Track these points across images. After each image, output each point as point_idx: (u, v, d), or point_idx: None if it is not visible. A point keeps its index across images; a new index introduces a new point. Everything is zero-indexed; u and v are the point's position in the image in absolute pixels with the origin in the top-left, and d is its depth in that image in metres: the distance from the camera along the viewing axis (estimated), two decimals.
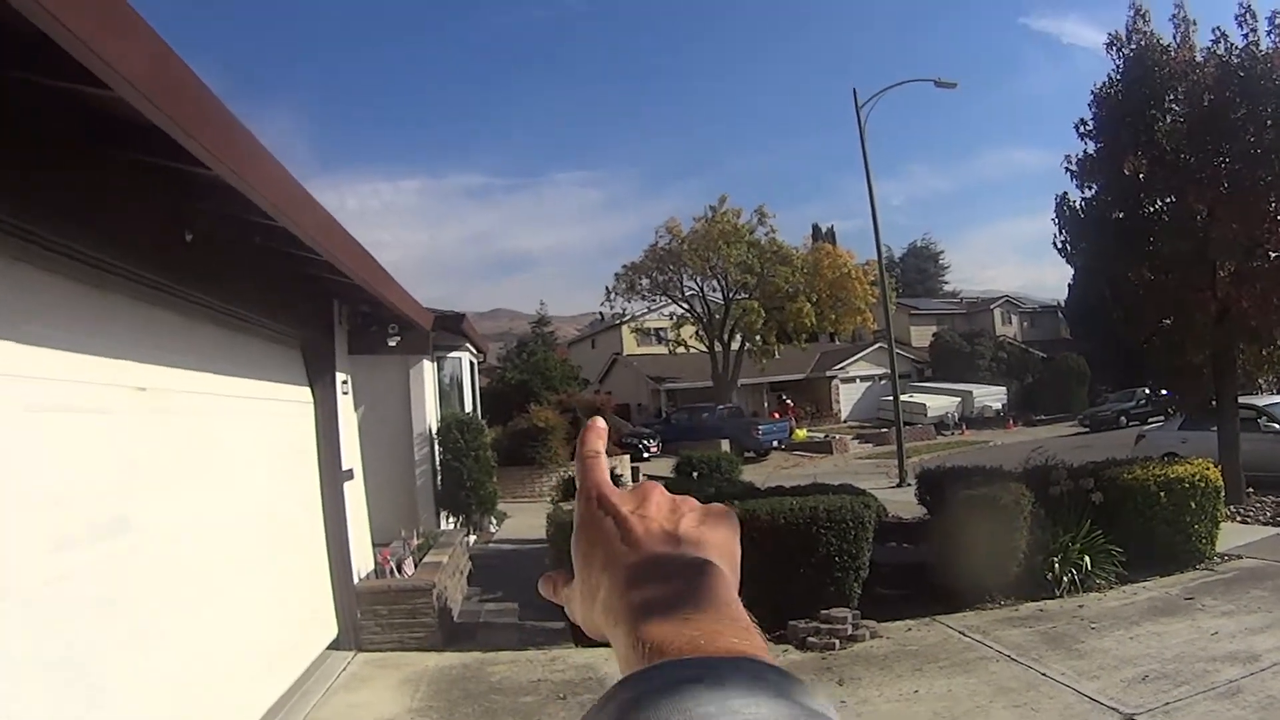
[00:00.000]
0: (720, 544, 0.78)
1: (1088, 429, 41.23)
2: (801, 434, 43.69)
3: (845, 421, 54.38)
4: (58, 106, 4.26)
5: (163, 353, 5.99)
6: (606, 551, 0.76)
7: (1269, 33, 14.55)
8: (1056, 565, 10.61)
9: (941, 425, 46.21)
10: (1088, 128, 16.49)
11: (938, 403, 48.24)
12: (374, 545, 10.82)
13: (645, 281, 46.66)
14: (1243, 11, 14.70)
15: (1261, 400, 18.56)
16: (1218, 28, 15.22)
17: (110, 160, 4.95)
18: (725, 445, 32.27)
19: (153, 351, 5.80)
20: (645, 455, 36.01)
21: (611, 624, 0.72)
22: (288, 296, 8.55)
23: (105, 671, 4.74)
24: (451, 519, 16.00)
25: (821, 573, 10.08)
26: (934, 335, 59.99)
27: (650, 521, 0.77)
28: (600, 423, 0.93)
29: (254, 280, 7.47)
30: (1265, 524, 13.99)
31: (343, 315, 10.55)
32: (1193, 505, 11.42)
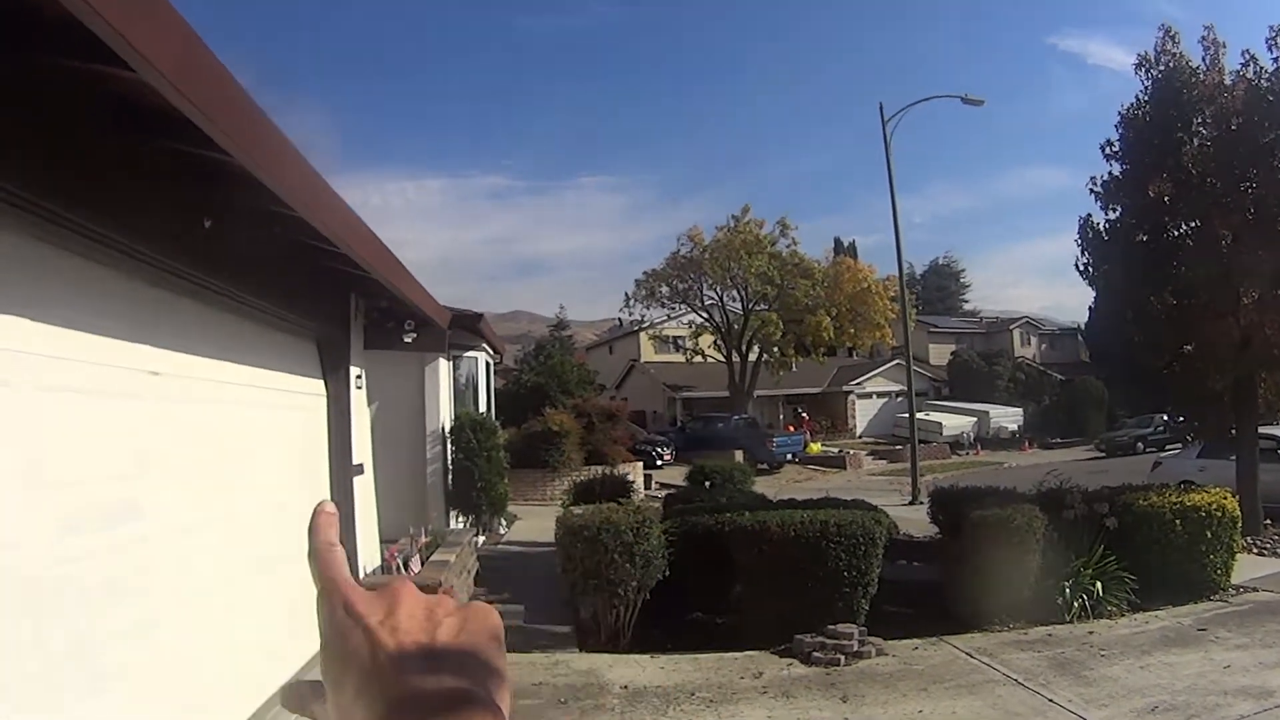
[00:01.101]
0: (481, 655, 0.71)
1: (1104, 454, 41.07)
2: (815, 448, 43.68)
3: (860, 437, 54.30)
4: (83, 91, 4.25)
5: (178, 339, 5.97)
6: (359, 674, 0.68)
7: None
8: (1068, 590, 10.55)
9: (956, 444, 46.17)
10: (1113, 149, 16.45)
11: (954, 422, 48.14)
12: (382, 542, 10.81)
13: (665, 289, 46.76)
14: (1273, 35, 14.62)
15: None
16: (1247, 50, 15.19)
17: (133, 145, 4.94)
18: (739, 456, 32.22)
19: (168, 337, 5.79)
20: (658, 463, 36.09)
21: None
22: (305, 288, 8.54)
23: (108, 657, 4.72)
24: (461, 519, 16.00)
25: (830, 587, 10.04)
26: (952, 354, 59.91)
27: (403, 635, 0.70)
28: (330, 507, 0.84)
29: (272, 271, 7.45)
30: None
31: (360, 310, 10.54)
32: (1209, 535, 11.34)
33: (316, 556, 0.80)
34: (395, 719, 0.63)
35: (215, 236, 6.05)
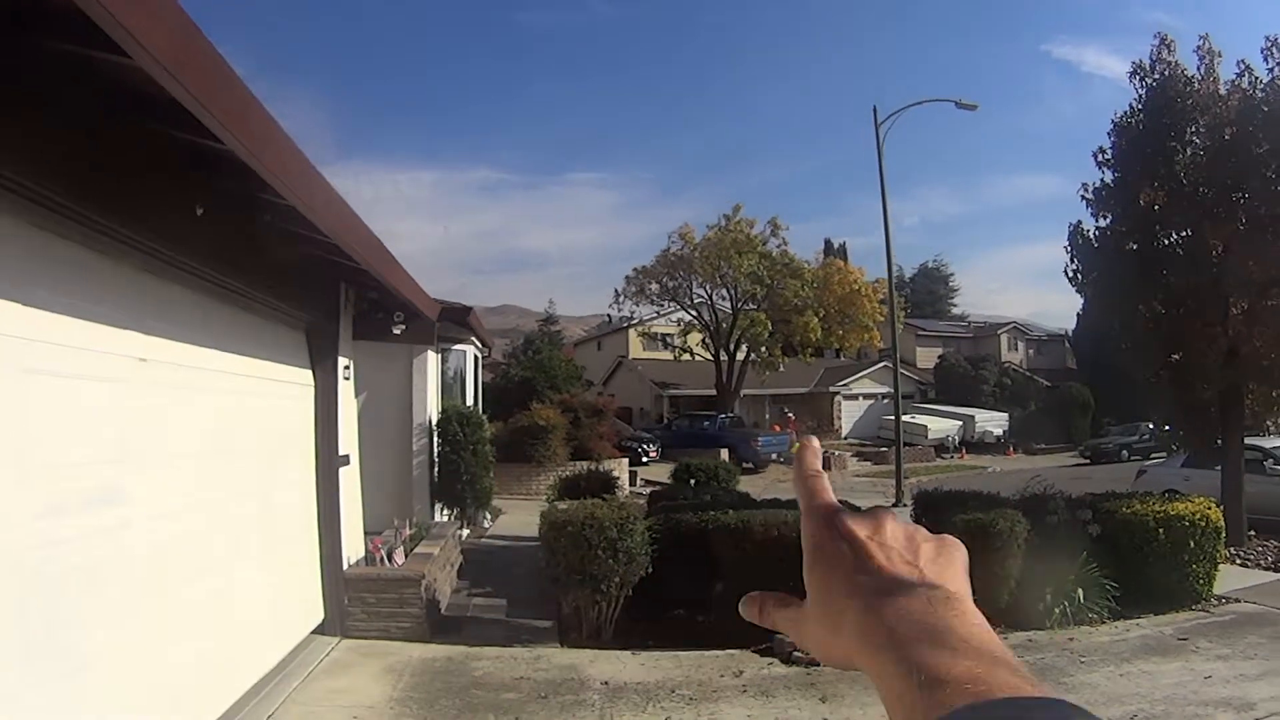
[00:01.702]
0: (958, 577, 0.77)
1: (1088, 460, 41.31)
2: None
3: (846, 438, 54.27)
4: (77, 75, 4.24)
5: (167, 325, 5.97)
6: (848, 578, 0.75)
7: None
8: (1049, 596, 10.56)
9: (941, 448, 46.26)
10: (1106, 156, 16.45)
11: (939, 425, 48.23)
12: (366, 532, 10.79)
13: (655, 286, 46.65)
14: (1269, 45, 14.60)
15: (1268, 442, 18.30)
16: (1243, 60, 15.19)
17: (125, 130, 4.93)
18: (724, 455, 32.24)
19: (157, 324, 5.79)
20: (644, 460, 36.04)
21: (870, 651, 0.69)
22: (295, 278, 8.52)
23: (87, 641, 4.72)
24: (446, 511, 15.97)
25: None
26: (939, 357, 59.95)
27: (890, 550, 0.76)
28: (815, 442, 0.93)
29: (262, 259, 7.44)
30: (1266, 569, 13.93)
31: (349, 300, 10.52)
32: (1191, 544, 11.37)
33: (803, 481, 0.88)
34: (892, 609, 0.69)
35: (207, 224, 6.04)
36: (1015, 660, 0.63)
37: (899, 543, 0.78)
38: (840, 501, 0.87)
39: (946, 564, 0.77)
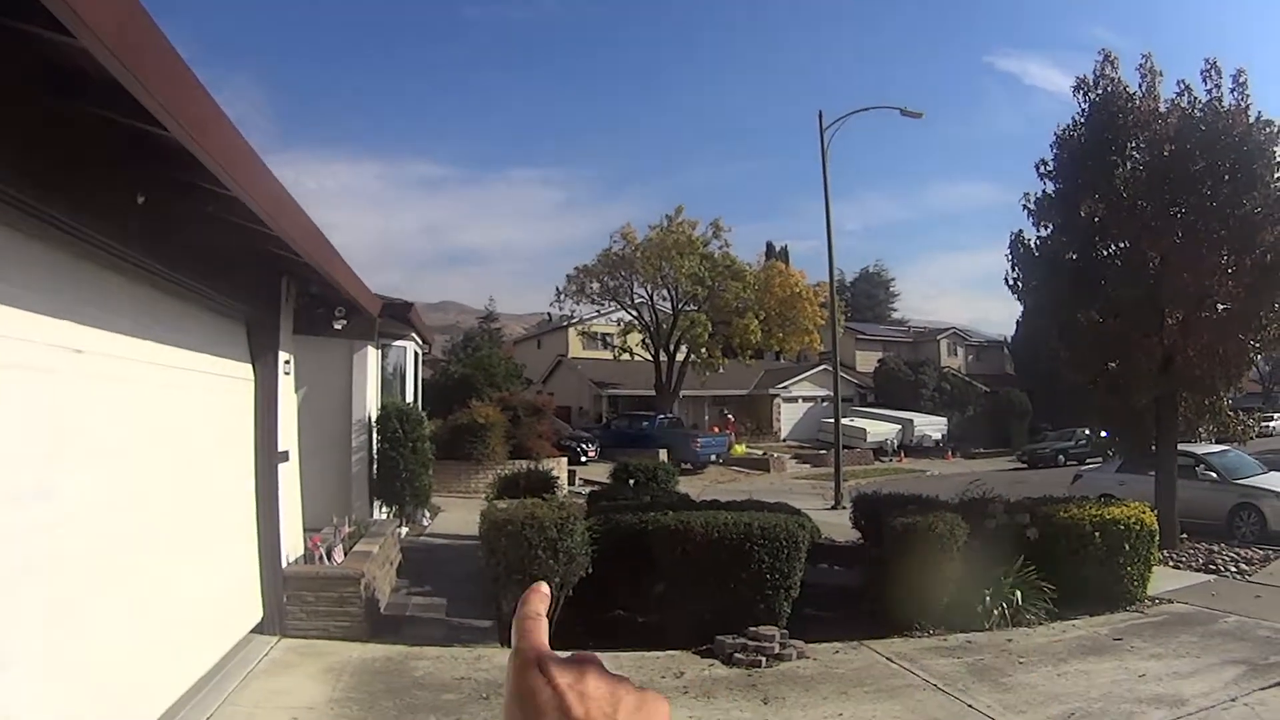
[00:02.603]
0: None
1: (1026, 465, 42.06)
2: (740, 450, 43.88)
3: (785, 440, 54.54)
4: (18, 55, 4.12)
5: (104, 315, 5.82)
6: None
7: (1232, 90, 14.93)
8: (988, 598, 10.68)
9: (880, 451, 46.68)
10: (1048, 168, 16.74)
11: (878, 428, 48.63)
12: (305, 530, 10.67)
13: (596, 285, 46.61)
14: (1208, 67, 15.07)
15: (1200, 449, 18.86)
16: (1182, 81, 15.63)
17: (64, 113, 4.81)
18: (663, 455, 32.29)
19: (94, 313, 5.64)
20: (583, 459, 36.00)
21: None
22: (236, 270, 8.39)
23: (13, 643, 4.58)
24: (385, 509, 15.82)
25: (752, 589, 10.08)
26: (879, 361, 60.47)
27: (590, 702, 0.77)
28: (544, 588, 0.92)
29: (203, 250, 7.31)
30: (1197, 570, 14.29)
31: (291, 294, 10.39)
32: (1126, 547, 11.57)
33: (521, 622, 0.86)
34: None
35: (148, 212, 5.92)
36: None
37: (601, 693, 0.78)
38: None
39: (647, 716, 0.79)
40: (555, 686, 0.77)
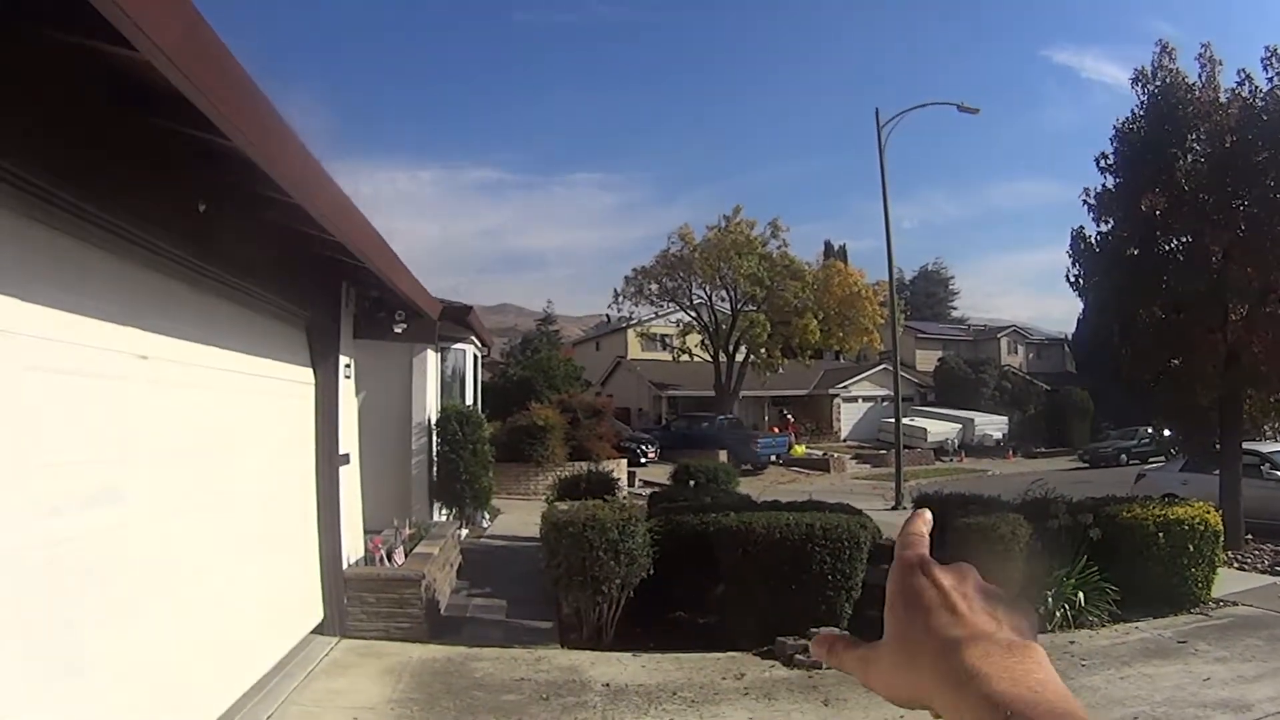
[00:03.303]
0: (1030, 633, 0.80)
1: (1087, 464, 41.30)
2: (800, 450, 43.65)
3: (845, 440, 54.26)
4: (81, 67, 4.20)
5: (169, 322, 5.92)
6: (929, 619, 0.80)
7: None
8: (1050, 599, 10.55)
9: (940, 451, 46.28)
10: (1108, 162, 16.49)
11: (938, 428, 48.26)
12: (365, 532, 10.77)
13: (654, 286, 46.65)
14: (1269, 55, 14.68)
15: (1265, 447, 18.38)
16: (1243, 69, 15.27)
17: (130, 125, 4.90)
18: (723, 456, 32.24)
19: (159, 320, 5.74)
20: (643, 460, 36.02)
21: (949, 687, 0.75)
22: (297, 276, 8.49)
23: (86, 642, 4.67)
24: (444, 511, 15.94)
25: (813, 590, 10.02)
26: (939, 360, 59.97)
27: (971, 600, 0.81)
28: (927, 514, 0.96)
29: (265, 257, 7.40)
30: (1263, 571, 13.97)
31: (351, 298, 10.49)
32: (1190, 548, 11.37)
33: (905, 536, 0.90)
34: (977, 650, 0.75)
35: (210, 220, 6.01)
36: (1084, 713, 0.69)
37: (979, 596, 0.82)
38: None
39: (1020, 620, 0.81)
40: (940, 586, 0.82)
